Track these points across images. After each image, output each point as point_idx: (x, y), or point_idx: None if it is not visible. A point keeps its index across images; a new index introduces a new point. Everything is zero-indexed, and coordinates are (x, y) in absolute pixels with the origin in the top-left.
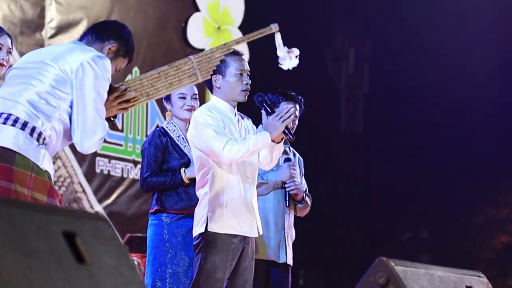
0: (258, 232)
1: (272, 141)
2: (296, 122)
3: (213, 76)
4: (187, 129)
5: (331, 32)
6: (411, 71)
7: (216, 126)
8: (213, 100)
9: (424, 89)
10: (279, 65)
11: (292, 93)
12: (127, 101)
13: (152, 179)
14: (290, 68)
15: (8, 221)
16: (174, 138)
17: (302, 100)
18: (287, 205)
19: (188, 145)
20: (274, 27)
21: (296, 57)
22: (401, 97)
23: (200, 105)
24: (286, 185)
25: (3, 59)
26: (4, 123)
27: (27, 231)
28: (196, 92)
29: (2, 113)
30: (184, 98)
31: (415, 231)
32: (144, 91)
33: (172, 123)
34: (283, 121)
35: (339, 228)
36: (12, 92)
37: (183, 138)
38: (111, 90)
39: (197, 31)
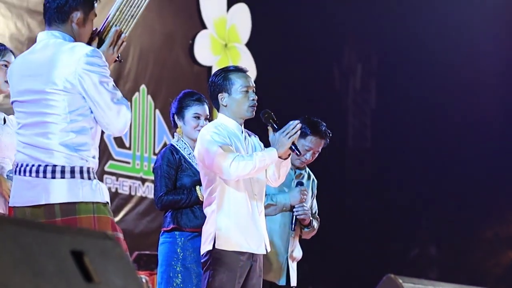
0: (266, 249)
1: (279, 157)
2: (316, 155)
3: (219, 95)
4: (195, 147)
5: (338, 48)
6: (418, 86)
7: (223, 143)
8: (220, 118)
9: (431, 104)
10: None
11: (322, 127)
12: (119, 36)
13: (168, 198)
14: None
15: (17, 241)
16: (186, 156)
17: (330, 134)
18: (293, 229)
19: None
20: None
21: None
22: (408, 112)
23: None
24: (294, 209)
25: None
26: (53, 177)
27: (36, 250)
28: (208, 113)
29: (46, 165)
30: (198, 118)
31: (423, 247)
32: (128, 15)
33: (182, 140)
34: (289, 137)
35: (347, 244)
36: (40, 137)
37: (194, 156)
38: (103, 41)
39: (204, 48)
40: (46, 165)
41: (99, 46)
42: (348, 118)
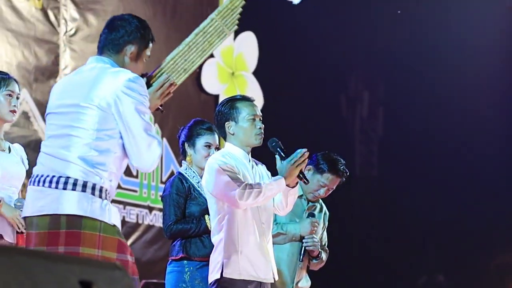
0: (274, 278)
1: (287, 185)
2: (330, 192)
3: (226, 123)
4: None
5: (345, 76)
6: (426, 113)
7: (230, 172)
8: (227, 146)
9: (438, 132)
10: None
11: (341, 166)
12: (169, 86)
13: (177, 227)
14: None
15: (26, 271)
16: (195, 185)
17: (348, 173)
18: (301, 260)
19: None
20: None
21: None
22: (415, 140)
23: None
24: (304, 240)
25: (15, 106)
26: (65, 188)
27: (44, 280)
28: (218, 143)
29: (60, 176)
30: (209, 147)
31: (431, 275)
32: (181, 68)
33: (191, 169)
34: (297, 166)
35: (354, 272)
36: (60, 149)
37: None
38: (150, 85)
39: (212, 77)
40: (60, 176)
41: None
42: (355, 146)
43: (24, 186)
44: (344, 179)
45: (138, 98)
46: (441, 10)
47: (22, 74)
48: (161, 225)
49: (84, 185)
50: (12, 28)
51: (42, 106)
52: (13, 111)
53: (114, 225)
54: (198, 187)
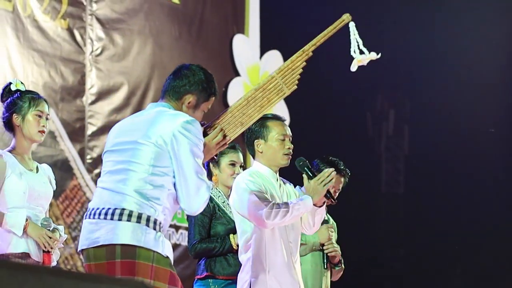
0: None
1: (314, 205)
2: (336, 194)
3: (255, 141)
4: (229, 195)
5: (371, 94)
6: (451, 131)
7: (258, 191)
8: (255, 165)
9: (464, 149)
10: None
11: (341, 165)
12: (224, 137)
13: (202, 246)
14: (363, 62)
15: None
16: (220, 204)
17: (349, 173)
18: (325, 267)
19: None
20: (346, 17)
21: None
22: (441, 158)
23: (243, 169)
24: (324, 247)
25: (44, 126)
26: (120, 219)
27: None
28: (242, 161)
29: (116, 208)
30: (234, 165)
31: None
32: (238, 122)
33: (217, 188)
34: (324, 185)
35: None
36: (117, 183)
37: (228, 204)
38: (206, 135)
39: (238, 96)
40: (116, 208)
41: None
42: (381, 164)
43: (51, 205)
44: (347, 179)
45: (194, 140)
46: (467, 29)
47: (49, 93)
48: (187, 244)
49: (139, 217)
50: (38, 48)
51: (68, 126)
52: (42, 131)
53: (167, 257)
54: (224, 206)
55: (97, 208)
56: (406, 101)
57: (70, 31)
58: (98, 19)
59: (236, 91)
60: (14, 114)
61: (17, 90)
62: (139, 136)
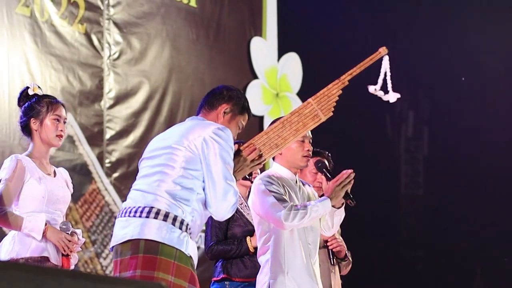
0: None
1: (333, 206)
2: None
3: None
4: (247, 197)
5: None
6: (471, 132)
7: (276, 193)
8: (274, 167)
9: (484, 150)
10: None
11: (324, 155)
12: (258, 157)
13: (218, 248)
14: (387, 99)
15: None
16: (238, 206)
17: (329, 154)
18: (332, 263)
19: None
20: (383, 50)
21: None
22: (461, 159)
23: (261, 171)
24: (328, 243)
25: (62, 130)
26: (147, 216)
27: None
28: None
29: (145, 207)
30: (251, 181)
31: None
32: (273, 143)
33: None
34: (343, 186)
35: None
36: (150, 184)
37: (246, 206)
38: (240, 151)
39: (256, 98)
40: (145, 207)
41: (234, 156)
42: (401, 166)
43: (70, 209)
44: (331, 161)
45: (224, 146)
46: (491, 29)
47: (67, 98)
48: (204, 246)
49: (166, 215)
50: (56, 53)
51: (87, 130)
52: (60, 136)
53: (190, 257)
54: (241, 208)
55: (128, 207)
56: (425, 102)
57: (87, 35)
58: (115, 23)
59: (254, 94)
60: (32, 119)
61: (35, 95)
62: (173, 141)
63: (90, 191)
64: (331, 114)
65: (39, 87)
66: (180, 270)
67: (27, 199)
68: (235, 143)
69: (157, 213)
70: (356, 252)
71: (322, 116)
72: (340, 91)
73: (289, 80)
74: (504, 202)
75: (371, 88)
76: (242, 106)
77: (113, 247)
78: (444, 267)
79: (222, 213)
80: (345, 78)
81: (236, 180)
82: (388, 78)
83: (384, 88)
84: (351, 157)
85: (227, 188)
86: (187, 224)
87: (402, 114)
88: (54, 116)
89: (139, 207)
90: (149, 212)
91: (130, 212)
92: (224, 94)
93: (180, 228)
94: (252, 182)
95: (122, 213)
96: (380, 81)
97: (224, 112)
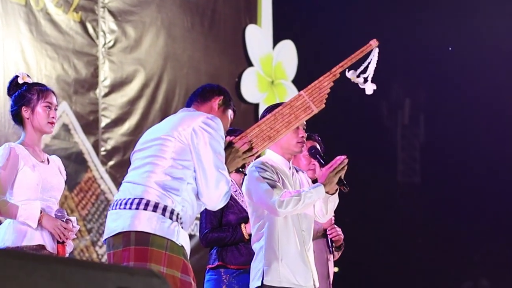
0: (315, 285)
1: (327, 192)
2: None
3: None
4: (241, 184)
5: (385, 83)
6: (467, 119)
7: (270, 180)
8: (268, 153)
9: (481, 137)
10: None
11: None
12: (250, 149)
13: (213, 235)
14: (362, 87)
15: (63, 280)
16: (232, 193)
17: (319, 137)
18: (331, 252)
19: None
20: (374, 42)
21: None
22: (457, 146)
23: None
24: (328, 232)
25: (53, 117)
26: (137, 208)
27: None
28: None
29: (135, 198)
30: (244, 173)
31: (475, 281)
32: (265, 135)
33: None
34: (336, 172)
35: (397, 279)
36: (140, 175)
37: (240, 193)
38: (233, 143)
39: (251, 86)
40: (135, 198)
41: (226, 148)
42: (397, 153)
43: (66, 198)
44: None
45: (214, 135)
46: (486, 15)
47: (62, 86)
48: (198, 234)
49: (156, 206)
50: (51, 42)
51: (82, 118)
52: (52, 123)
53: (182, 246)
54: (235, 195)
55: (119, 199)
56: (422, 89)
57: (82, 24)
58: (110, 12)
59: (249, 81)
60: (23, 107)
61: (25, 83)
62: (163, 133)
63: (85, 179)
64: (323, 106)
65: (28, 75)
66: (172, 260)
67: (22, 187)
68: (230, 133)
69: (147, 204)
70: (353, 239)
71: (314, 108)
72: (332, 83)
73: (284, 67)
74: (502, 188)
75: (350, 73)
76: (230, 100)
77: (106, 239)
78: (441, 254)
79: (215, 202)
80: (336, 71)
81: (229, 172)
82: (372, 69)
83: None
84: (348, 144)
85: (219, 177)
86: (178, 214)
87: (399, 101)
88: (45, 104)
89: (129, 199)
90: (139, 204)
91: (120, 204)
92: (215, 88)
93: (171, 218)
94: (245, 175)
95: (113, 205)
96: (362, 69)
97: (218, 104)
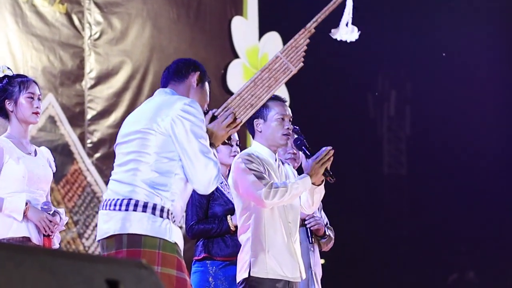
0: (301, 277)
1: (313, 183)
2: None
3: (254, 120)
4: (227, 175)
5: (371, 75)
6: (453, 111)
7: (257, 171)
8: (254, 145)
9: (466, 129)
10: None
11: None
12: (234, 120)
13: (199, 227)
14: (344, 39)
15: (52, 271)
16: (218, 185)
17: (298, 128)
18: (311, 241)
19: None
20: None
21: (355, 34)
22: (443, 138)
23: (241, 150)
24: (306, 222)
25: (37, 107)
26: (127, 209)
27: (71, 280)
28: (238, 139)
29: (124, 199)
30: (230, 144)
31: (461, 273)
32: (247, 103)
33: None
34: (322, 164)
35: (384, 271)
36: (125, 173)
37: (226, 185)
38: (216, 117)
39: (237, 78)
40: (124, 199)
41: (210, 123)
42: (383, 145)
43: (52, 190)
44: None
45: (193, 121)
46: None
47: (48, 78)
48: (185, 225)
49: (145, 206)
50: (37, 33)
51: (68, 110)
52: (36, 113)
53: (175, 243)
54: (221, 187)
55: (108, 199)
56: (407, 81)
57: (68, 15)
58: (96, 3)
59: (235, 73)
60: (6, 100)
61: (5, 76)
62: (142, 125)
63: (72, 171)
64: (302, 64)
65: (8, 68)
66: (166, 259)
67: (7, 180)
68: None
69: (136, 204)
70: (340, 231)
71: (293, 68)
72: (308, 40)
73: (270, 59)
74: (489, 180)
75: (333, 32)
76: (205, 72)
77: (99, 240)
78: (428, 246)
79: (206, 186)
80: (311, 26)
81: (216, 147)
82: (350, 19)
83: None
84: (333, 136)
85: (206, 162)
86: (168, 210)
87: (384, 93)
88: (27, 94)
89: (117, 199)
90: (128, 205)
91: (110, 205)
92: (190, 63)
93: (161, 216)
94: (231, 146)
95: (103, 205)
96: (342, 23)
97: (196, 81)
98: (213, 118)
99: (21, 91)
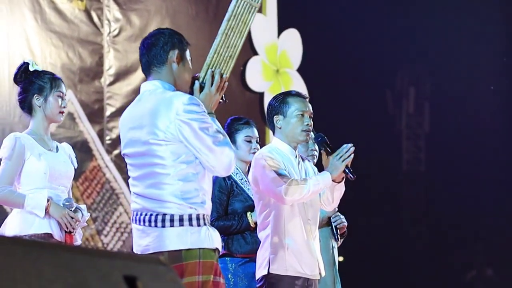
0: (320, 274)
1: (333, 181)
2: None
3: (274, 117)
4: (247, 172)
5: (390, 72)
6: (473, 108)
7: (277, 168)
8: (274, 141)
9: (486, 125)
10: None
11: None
12: (221, 79)
13: (219, 223)
14: None
15: (70, 268)
16: (238, 181)
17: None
18: (337, 239)
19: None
20: None
21: None
22: (463, 135)
23: (261, 147)
24: (332, 220)
25: (64, 107)
26: (163, 226)
27: (89, 276)
28: (258, 136)
29: (158, 214)
30: (250, 141)
31: (480, 269)
32: (226, 56)
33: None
34: (343, 161)
35: (403, 268)
36: (150, 188)
37: (246, 181)
38: (202, 87)
39: (256, 75)
40: (157, 214)
41: (200, 91)
42: (402, 142)
43: (71, 187)
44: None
45: (197, 118)
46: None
47: (67, 75)
48: None
49: (181, 219)
50: (56, 30)
51: (87, 107)
52: (62, 112)
53: (216, 249)
54: (241, 183)
55: (141, 214)
56: (426, 78)
57: (87, 12)
58: (115, 0)
59: (254, 70)
60: (35, 95)
61: (35, 71)
62: (147, 133)
63: (90, 168)
64: None
65: (36, 63)
66: (206, 265)
67: (29, 176)
68: (235, 121)
69: (172, 220)
70: (358, 229)
71: (255, 3)
72: None
73: (289, 56)
74: (506, 176)
75: None
76: (183, 43)
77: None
78: (446, 243)
79: (227, 170)
80: None
81: (212, 113)
82: None
83: None
84: (352, 133)
85: (221, 149)
86: (203, 216)
87: (403, 90)
88: (58, 93)
89: (151, 214)
90: (163, 221)
91: (144, 220)
92: (166, 41)
93: (199, 225)
94: (226, 102)
95: (135, 219)
96: None
97: (175, 59)
98: (200, 88)
99: (52, 88)
